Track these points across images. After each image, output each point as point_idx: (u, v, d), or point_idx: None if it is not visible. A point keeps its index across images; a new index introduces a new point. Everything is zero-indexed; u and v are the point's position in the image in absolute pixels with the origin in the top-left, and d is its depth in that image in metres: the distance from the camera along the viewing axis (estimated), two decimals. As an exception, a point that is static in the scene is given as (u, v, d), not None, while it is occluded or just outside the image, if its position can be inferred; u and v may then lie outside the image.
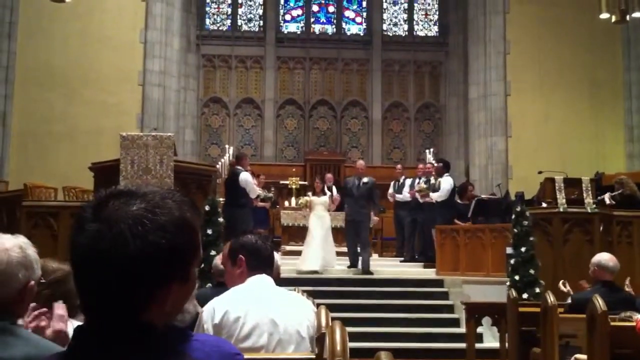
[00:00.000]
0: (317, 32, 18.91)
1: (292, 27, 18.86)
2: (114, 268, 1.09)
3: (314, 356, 2.77)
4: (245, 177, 10.04)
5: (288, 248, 12.74)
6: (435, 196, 11.59)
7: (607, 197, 9.69)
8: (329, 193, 11.56)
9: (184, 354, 1.16)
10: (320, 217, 11.11)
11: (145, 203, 1.12)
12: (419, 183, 12.15)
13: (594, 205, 8.86)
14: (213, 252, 7.17)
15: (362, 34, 18.93)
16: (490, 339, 8.86)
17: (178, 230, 1.12)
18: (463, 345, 8.34)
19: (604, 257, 5.57)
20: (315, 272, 10.41)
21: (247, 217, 9.92)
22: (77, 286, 1.14)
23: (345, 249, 11.40)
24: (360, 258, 10.76)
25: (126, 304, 1.11)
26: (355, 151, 18.21)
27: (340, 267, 10.98)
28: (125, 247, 1.08)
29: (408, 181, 12.55)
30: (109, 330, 1.11)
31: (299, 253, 12.06)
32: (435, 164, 12.66)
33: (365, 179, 10.99)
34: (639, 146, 15.21)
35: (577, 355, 4.98)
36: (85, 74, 14.21)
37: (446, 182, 11.72)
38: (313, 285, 9.11)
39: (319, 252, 10.70)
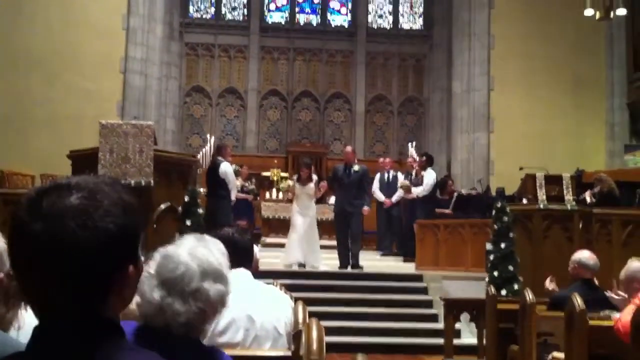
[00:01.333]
0: (301, 22, 18.82)
1: (277, 17, 18.75)
2: (68, 264, 1.06)
3: (290, 353, 2.74)
4: (225, 168, 9.93)
5: (268, 240, 12.70)
6: (418, 191, 11.61)
7: (587, 196, 9.73)
8: (315, 178, 10.68)
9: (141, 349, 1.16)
10: (305, 207, 10.36)
11: (81, 192, 1.10)
12: (405, 178, 12.17)
13: (574, 203, 8.89)
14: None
15: (346, 26, 18.87)
16: (469, 335, 8.87)
17: (121, 211, 1.11)
18: (441, 341, 8.34)
19: (585, 255, 5.57)
20: (302, 264, 10.03)
21: (227, 208, 9.84)
22: (26, 289, 1.10)
23: (333, 242, 10.93)
24: (350, 252, 10.31)
25: (85, 298, 1.08)
26: (337, 143, 18.17)
27: (325, 269, 10.32)
28: (74, 240, 1.06)
29: (401, 176, 12.51)
30: (70, 328, 1.08)
31: (279, 245, 12.03)
32: (418, 158, 12.68)
33: (355, 167, 10.41)
34: (620, 144, 15.31)
35: (555, 354, 4.99)
36: (66, 59, 14.02)
37: (429, 177, 11.74)
38: (292, 279, 9.07)
39: (303, 246, 10.12)
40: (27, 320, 2.29)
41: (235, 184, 10.22)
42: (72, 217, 1.07)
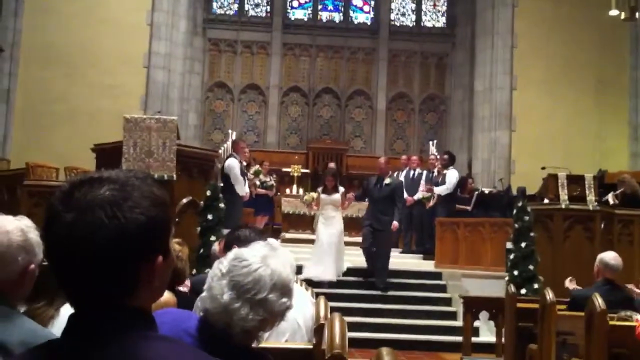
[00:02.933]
0: (324, 19, 18.82)
1: (299, 14, 18.77)
2: (97, 254, 1.09)
3: (311, 346, 2.77)
4: (230, 163, 9.95)
5: (288, 236, 12.73)
6: (441, 190, 11.58)
7: (610, 197, 9.66)
8: (341, 190, 10.17)
9: (170, 338, 1.17)
10: (329, 218, 9.85)
11: (112, 184, 1.13)
12: (426, 177, 12.11)
13: (596, 203, 8.83)
14: (213, 238, 7.16)
15: (369, 23, 18.84)
16: (487, 334, 8.86)
17: (151, 203, 1.14)
18: (459, 338, 8.35)
19: (609, 256, 5.57)
20: (324, 281, 9.50)
21: (237, 204, 9.86)
22: (59, 278, 1.13)
23: (353, 239, 10.67)
24: (375, 274, 9.74)
25: (115, 287, 1.11)
26: (358, 140, 18.18)
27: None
28: (104, 230, 1.09)
29: (425, 173, 12.41)
30: (100, 317, 1.11)
31: (299, 241, 12.07)
32: (439, 157, 12.66)
33: (387, 180, 9.81)
34: (643, 145, 15.16)
35: None
36: (89, 54, 14.16)
37: (452, 175, 11.72)
38: (312, 274, 9.12)
39: (328, 262, 9.60)
40: (62, 313, 2.36)
41: (238, 180, 10.03)
42: (101, 208, 1.10)
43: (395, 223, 9.61)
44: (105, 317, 1.11)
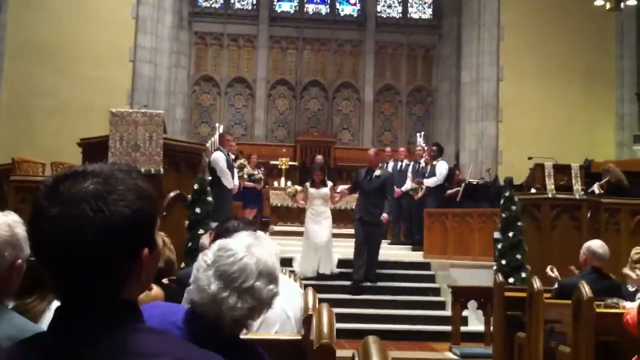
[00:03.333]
0: (310, 12, 18.78)
1: (286, 7, 18.71)
2: (83, 247, 1.08)
3: (300, 337, 2.77)
4: (215, 156, 9.96)
5: (276, 228, 12.74)
6: (431, 182, 11.60)
7: (596, 188, 9.72)
8: (330, 184, 9.94)
9: (160, 331, 1.18)
10: (318, 213, 9.64)
11: (96, 178, 1.12)
12: (413, 168, 12.15)
13: (583, 192, 8.89)
14: (201, 231, 7.15)
15: (355, 15, 18.82)
16: (476, 323, 8.92)
17: (136, 196, 1.13)
18: (448, 328, 8.40)
19: (596, 244, 5.60)
20: (316, 273, 9.53)
21: (226, 196, 9.85)
22: (48, 272, 1.13)
23: (347, 231, 10.53)
24: (366, 266, 9.56)
25: (101, 280, 1.11)
26: (345, 133, 18.18)
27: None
28: (89, 224, 1.08)
29: (412, 165, 12.45)
30: (87, 310, 1.11)
31: (287, 233, 12.08)
32: (427, 148, 12.68)
33: (377, 172, 9.66)
34: (629, 134, 15.28)
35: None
36: (76, 49, 14.08)
37: (442, 167, 11.75)
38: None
39: (320, 259, 9.52)
40: (53, 308, 2.35)
41: (224, 173, 10.03)
42: (86, 202, 1.09)
43: (384, 215, 9.48)
44: (93, 311, 1.11)
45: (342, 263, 9.91)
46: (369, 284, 9.56)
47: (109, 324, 1.10)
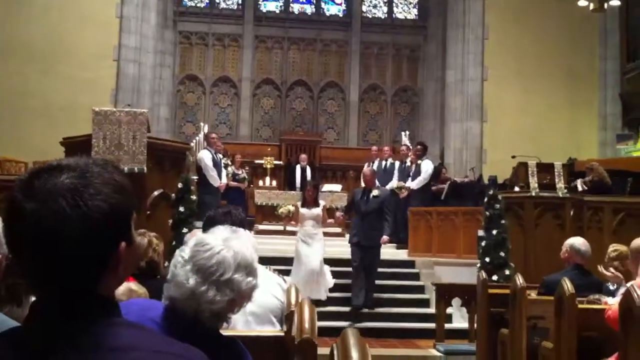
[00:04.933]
0: (296, 12, 18.76)
1: (271, 6, 18.68)
2: (60, 242, 1.08)
3: (282, 334, 2.77)
4: (200, 154, 10.03)
5: (261, 227, 12.72)
6: (415, 183, 11.65)
7: (579, 183, 9.79)
8: (322, 203, 9.40)
9: (138, 325, 1.17)
10: (310, 235, 9.05)
11: (72, 172, 1.11)
12: (399, 167, 12.20)
13: (566, 191, 8.95)
14: (185, 230, 7.13)
15: (341, 15, 18.83)
16: (460, 320, 8.96)
17: (112, 190, 1.12)
18: (433, 325, 8.44)
19: (578, 241, 5.64)
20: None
21: (213, 195, 9.86)
22: (23, 269, 1.12)
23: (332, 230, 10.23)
24: (364, 292, 9.02)
25: (78, 275, 1.10)
26: (331, 132, 18.19)
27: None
28: (67, 219, 1.07)
29: (397, 164, 12.48)
30: (64, 305, 1.10)
31: (273, 232, 12.06)
32: (411, 147, 12.73)
33: (375, 192, 9.08)
34: (612, 134, 15.39)
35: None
36: (60, 48, 14.03)
37: (427, 166, 11.81)
38: (286, 265, 9.10)
39: (313, 285, 8.82)
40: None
41: (209, 171, 10.07)
42: (63, 196, 1.08)
43: (385, 237, 8.89)
44: (70, 305, 1.10)
45: (324, 260, 9.61)
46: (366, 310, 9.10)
47: (87, 318, 1.10)
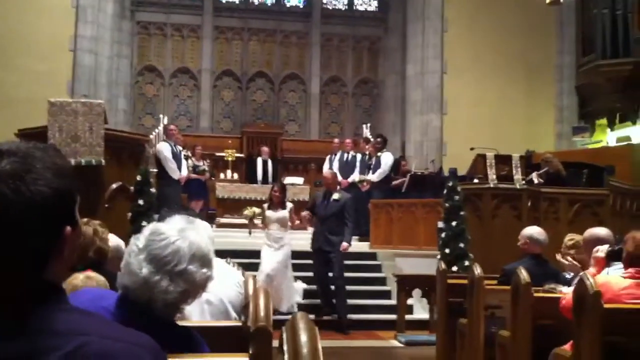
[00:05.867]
0: (256, 2, 18.63)
1: (231, -3, 18.52)
2: (5, 229, 1.06)
3: (240, 324, 2.75)
4: (159, 146, 9.99)
5: (223, 221, 12.65)
6: (376, 176, 11.72)
7: (534, 177, 9.93)
8: (289, 205, 8.90)
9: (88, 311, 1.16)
10: (275, 240, 8.64)
11: (13, 157, 1.10)
12: (360, 160, 12.27)
13: (523, 182, 9.08)
14: (144, 223, 7.03)
15: (301, 7, 18.77)
16: (420, 311, 9.05)
17: (54, 175, 1.11)
18: (394, 316, 8.50)
19: (535, 230, 5.72)
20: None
21: (173, 187, 9.78)
22: None
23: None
24: (334, 302, 8.68)
25: (24, 261, 1.09)
26: (292, 124, 18.15)
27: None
28: (10, 205, 1.06)
29: (359, 156, 12.53)
30: (10, 292, 1.08)
31: (234, 225, 12.00)
32: (372, 139, 12.79)
33: (336, 195, 8.71)
34: (568, 126, 15.67)
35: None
36: (15, 40, 13.71)
37: (387, 158, 11.87)
38: (249, 258, 9.07)
39: (275, 294, 8.03)
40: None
41: (168, 163, 10.01)
42: (4, 182, 1.07)
43: (345, 244, 8.51)
44: (16, 293, 1.08)
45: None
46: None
47: (36, 304, 1.08)
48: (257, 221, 8.86)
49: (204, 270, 1.88)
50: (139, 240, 1.87)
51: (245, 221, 10.75)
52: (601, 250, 4.37)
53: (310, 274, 9.12)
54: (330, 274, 8.69)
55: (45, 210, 1.08)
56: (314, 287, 9.05)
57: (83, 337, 1.07)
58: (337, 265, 8.57)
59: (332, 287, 8.73)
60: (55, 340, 1.05)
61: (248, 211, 9.44)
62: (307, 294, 9.15)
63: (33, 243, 1.08)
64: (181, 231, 1.89)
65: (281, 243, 8.64)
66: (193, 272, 1.85)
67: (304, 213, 8.90)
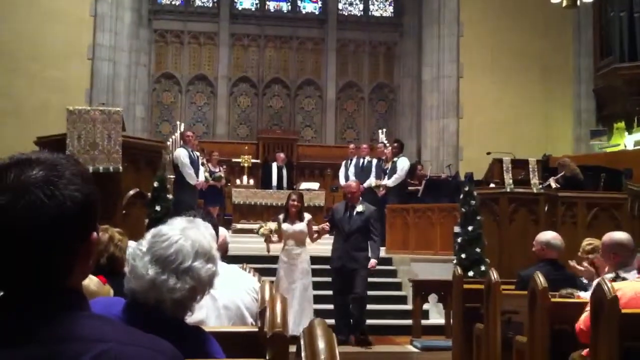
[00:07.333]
0: (272, 9, 18.72)
1: (247, 4, 18.62)
2: (40, 236, 1.08)
3: (256, 329, 2.77)
4: (176, 152, 10.02)
5: (239, 226, 12.69)
6: (392, 181, 11.71)
7: (552, 181, 9.88)
8: (307, 217, 8.10)
9: (105, 317, 1.19)
10: (291, 256, 7.89)
11: (43, 165, 1.13)
12: (377, 165, 12.26)
13: (540, 186, 9.04)
14: (161, 229, 7.07)
15: (317, 13, 18.83)
16: (436, 316, 9.03)
17: (83, 181, 1.15)
18: (410, 321, 8.48)
19: (551, 235, 5.68)
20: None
21: (190, 193, 9.84)
22: None
23: None
24: (351, 320, 8.00)
25: (55, 268, 1.11)
26: (308, 130, 18.19)
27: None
28: (45, 210, 1.08)
29: (375, 161, 12.52)
30: (34, 298, 1.11)
31: (249, 231, 12.01)
32: (388, 145, 12.79)
33: (359, 207, 8.02)
34: (586, 130, 15.57)
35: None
36: (32, 47, 13.84)
37: (403, 163, 11.86)
38: (263, 263, 9.09)
39: (291, 313, 7.11)
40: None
41: (185, 169, 10.06)
42: (39, 188, 1.09)
43: (373, 261, 7.86)
44: (39, 297, 1.11)
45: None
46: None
47: (59, 310, 1.11)
48: (275, 238, 8.05)
49: (209, 265, 1.90)
50: (141, 244, 1.90)
51: (257, 225, 10.66)
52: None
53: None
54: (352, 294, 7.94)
55: (77, 214, 1.12)
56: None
57: (106, 343, 1.09)
58: (362, 283, 7.87)
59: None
60: (80, 345, 1.08)
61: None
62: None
63: (65, 248, 1.11)
64: (183, 230, 1.91)
65: (298, 260, 7.91)
66: (199, 268, 1.87)
67: (324, 226, 8.19)
